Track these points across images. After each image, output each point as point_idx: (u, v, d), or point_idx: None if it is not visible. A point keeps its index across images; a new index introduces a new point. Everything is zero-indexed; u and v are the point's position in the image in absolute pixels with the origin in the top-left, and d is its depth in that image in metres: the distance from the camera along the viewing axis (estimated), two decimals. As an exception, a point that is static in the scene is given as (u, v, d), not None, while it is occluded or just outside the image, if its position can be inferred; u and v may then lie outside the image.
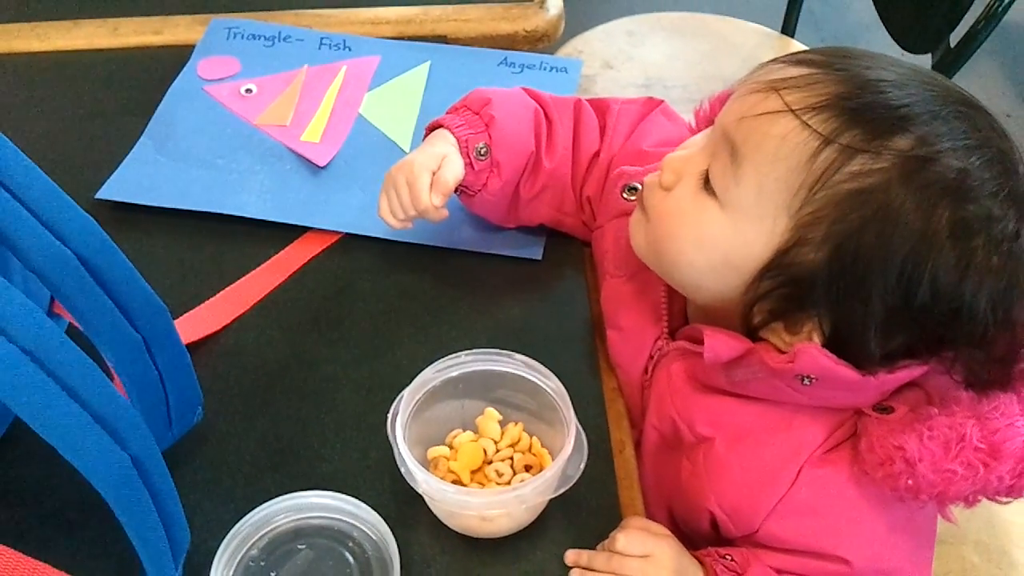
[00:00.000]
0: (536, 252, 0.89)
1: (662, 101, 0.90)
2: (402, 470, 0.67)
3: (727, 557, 0.72)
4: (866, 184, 0.63)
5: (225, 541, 0.68)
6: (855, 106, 0.64)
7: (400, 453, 0.67)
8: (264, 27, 1.10)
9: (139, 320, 0.62)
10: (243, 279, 0.86)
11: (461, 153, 0.83)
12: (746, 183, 0.67)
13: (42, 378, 0.53)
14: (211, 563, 0.65)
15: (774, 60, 0.69)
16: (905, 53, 1.34)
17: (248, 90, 1.03)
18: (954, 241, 0.63)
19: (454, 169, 0.81)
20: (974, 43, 1.24)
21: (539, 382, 0.72)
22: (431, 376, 0.71)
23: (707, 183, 0.69)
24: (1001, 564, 1.08)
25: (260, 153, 0.97)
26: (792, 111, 0.64)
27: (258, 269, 0.87)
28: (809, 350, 0.65)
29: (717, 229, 0.69)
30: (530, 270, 0.89)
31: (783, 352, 0.68)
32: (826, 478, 0.70)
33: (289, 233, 0.90)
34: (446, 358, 0.72)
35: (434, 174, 0.81)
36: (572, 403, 0.70)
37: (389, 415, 0.69)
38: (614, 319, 0.82)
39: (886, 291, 0.64)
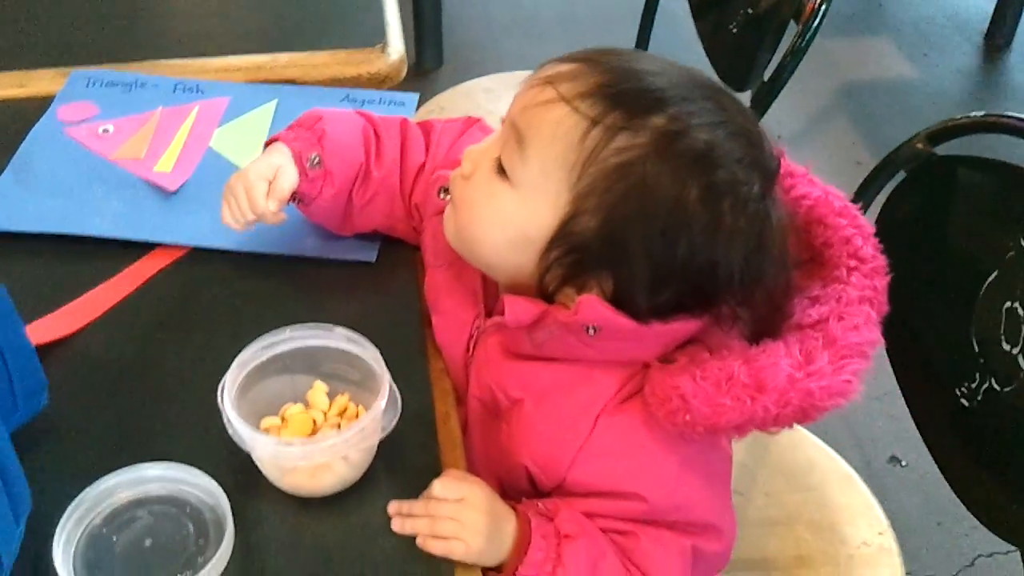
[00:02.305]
0: (371, 255, 0.97)
1: (480, 119, 1.00)
2: (230, 431, 0.74)
3: (539, 505, 0.79)
4: (628, 157, 0.73)
5: (68, 511, 0.73)
6: (616, 92, 0.74)
7: (227, 416, 0.74)
8: (121, 75, 1.17)
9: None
10: (93, 291, 0.92)
11: (296, 163, 0.91)
12: (531, 164, 0.76)
13: None
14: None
15: (550, 60, 0.79)
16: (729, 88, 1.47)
17: (105, 130, 1.10)
18: (704, 204, 0.73)
19: (288, 177, 0.90)
20: (784, 75, 1.38)
21: (359, 352, 0.79)
22: (257, 349, 0.78)
23: (500, 168, 0.78)
24: (832, 541, 1.16)
25: (114, 183, 1.04)
26: (563, 99, 0.74)
27: (108, 282, 0.93)
28: (589, 300, 0.74)
29: (511, 207, 0.78)
30: (366, 272, 0.97)
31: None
32: (620, 424, 0.78)
33: (140, 251, 0.97)
34: (269, 333, 0.79)
35: (270, 183, 0.89)
36: (399, 383, 0.77)
37: (219, 386, 0.76)
38: (436, 305, 0.90)
39: (650, 251, 0.73)
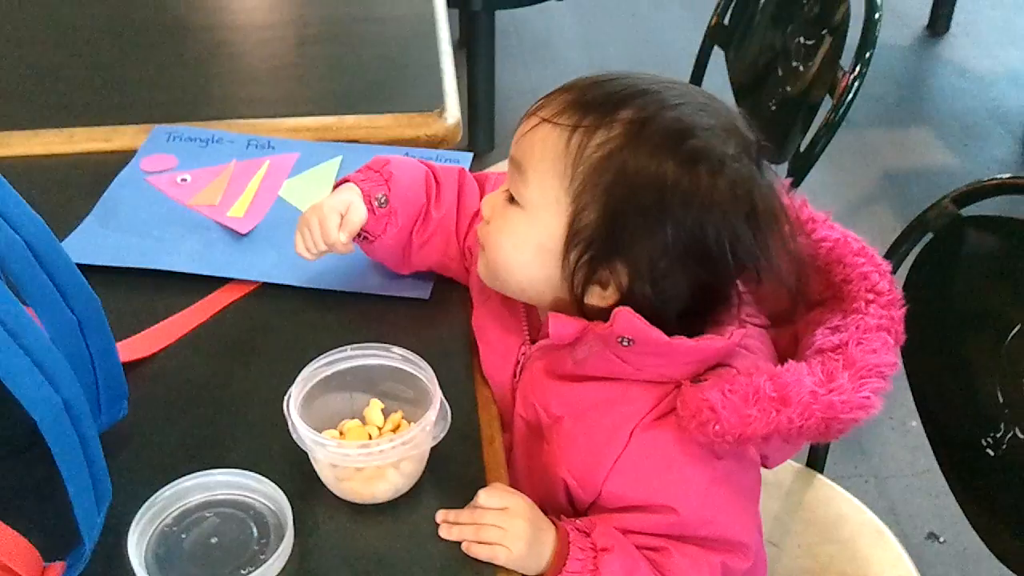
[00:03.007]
0: (425, 292, 1.04)
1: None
2: (294, 436, 0.80)
3: (576, 521, 0.84)
4: (608, 150, 0.81)
5: (142, 509, 0.79)
6: (585, 100, 0.84)
7: (292, 422, 0.80)
8: (199, 131, 1.27)
9: (75, 304, 0.76)
10: (171, 318, 1.00)
11: (364, 201, 0.99)
12: (531, 183, 0.85)
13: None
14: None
15: (538, 99, 0.89)
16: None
17: (183, 179, 1.20)
18: (682, 170, 0.80)
19: (359, 212, 0.98)
20: (818, 146, 1.45)
21: (413, 371, 0.85)
22: (320, 365, 0.85)
23: (511, 199, 0.88)
24: None
25: (190, 225, 1.13)
26: (545, 120, 0.85)
27: (184, 311, 1.01)
28: (623, 312, 0.80)
29: (524, 226, 0.86)
30: (420, 308, 1.04)
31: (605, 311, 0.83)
32: (653, 439, 0.84)
33: (214, 284, 1.05)
34: (332, 351, 0.86)
35: (342, 216, 0.97)
36: (451, 406, 0.84)
37: (285, 398, 0.83)
38: (483, 336, 0.97)
39: (647, 227, 0.81)
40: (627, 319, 0.81)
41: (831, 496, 1.31)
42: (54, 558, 0.74)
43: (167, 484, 0.81)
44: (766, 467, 0.93)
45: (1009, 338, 1.07)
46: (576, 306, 0.86)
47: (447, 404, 0.83)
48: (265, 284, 1.05)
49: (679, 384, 0.84)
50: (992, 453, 1.08)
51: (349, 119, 1.32)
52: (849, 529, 1.27)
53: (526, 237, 0.86)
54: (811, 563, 1.23)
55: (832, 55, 1.51)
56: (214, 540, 0.80)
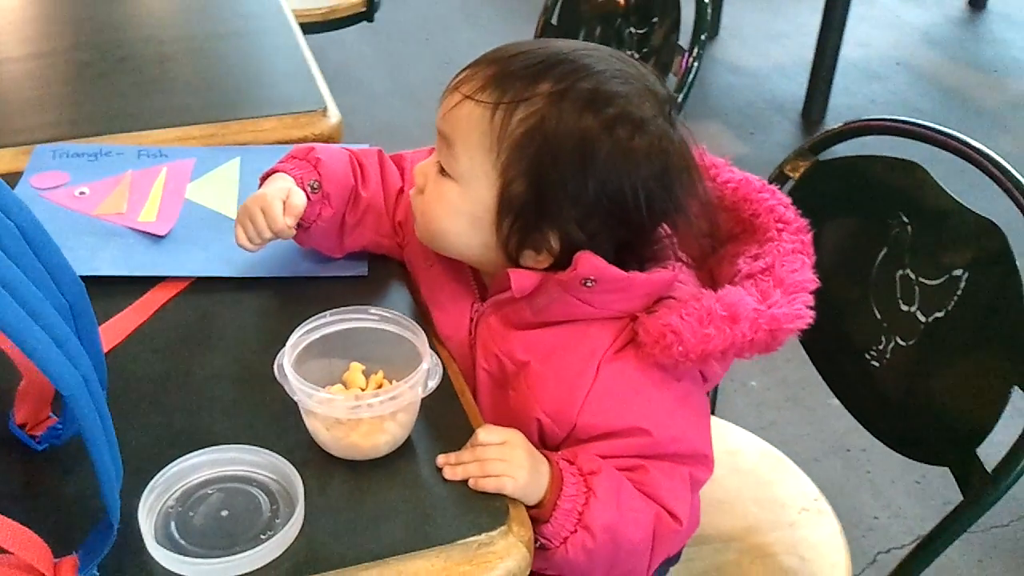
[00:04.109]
0: (363, 269, 1.07)
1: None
2: (299, 398, 0.82)
3: (558, 454, 0.90)
4: (530, 124, 0.88)
5: (142, 498, 0.79)
6: (503, 75, 0.89)
7: (294, 385, 0.82)
8: (85, 147, 1.25)
9: (64, 288, 0.75)
10: (111, 320, 0.98)
11: (299, 188, 1.01)
12: (461, 157, 0.90)
13: (16, 309, 0.66)
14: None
15: (460, 70, 0.94)
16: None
17: (82, 192, 1.17)
18: (604, 133, 0.87)
19: (300, 196, 1.00)
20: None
21: (396, 330, 0.89)
22: (307, 330, 0.87)
23: (442, 170, 0.93)
24: (774, 510, 1.30)
25: (103, 233, 1.11)
26: (467, 97, 0.90)
27: (124, 311, 1.00)
28: (585, 255, 0.87)
29: (457, 198, 0.92)
30: (361, 285, 1.06)
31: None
32: (619, 369, 0.90)
33: (145, 285, 1.04)
34: (312, 318, 0.88)
35: (284, 202, 0.99)
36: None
37: (275, 363, 0.84)
38: (434, 300, 1.01)
39: (571, 191, 0.87)
40: (589, 261, 0.87)
41: (725, 432, 1.42)
42: (60, 555, 0.73)
43: (156, 473, 0.81)
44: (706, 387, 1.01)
45: (878, 260, 1.21)
46: (512, 266, 0.92)
47: (437, 353, 0.87)
48: (198, 279, 1.05)
49: (634, 317, 0.91)
50: (878, 364, 1.21)
51: (234, 124, 1.33)
52: (749, 459, 1.38)
53: (459, 207, 0.92)
54: (723, 494, 1.33)
55: (666, 40, 1.64)
56: (224, 513, 0.81)
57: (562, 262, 0.89)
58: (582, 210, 0.87)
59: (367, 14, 2.65)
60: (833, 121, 3.27)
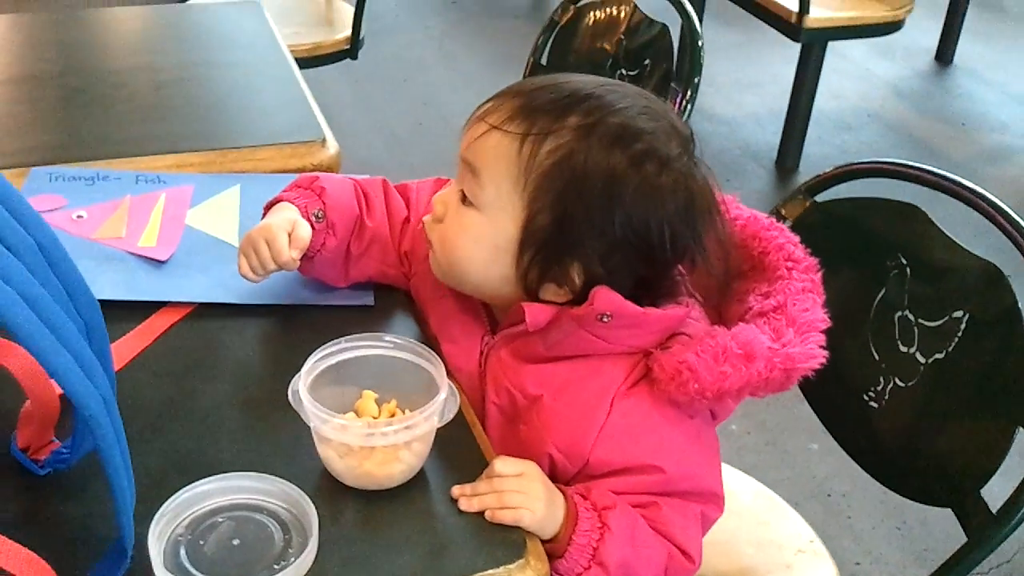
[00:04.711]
0: (368, 299, 1.06)
1: (449, 179, 1.13)
2: (315, 424, 0.80)
3: (571, 489, 0.88)
4: (558, 156, 0.87)
5: (151, 526, 0.76)
6: (532, 107, 0.89)
7: (311, 412, 0.80)
8: (82, 171, 1.23)
9: (80, 307, 0.73)
10: (114, 344, 0.95)
11: (303, 218, 1.00)
12: (486, 187, 0.90)
13: (40, 327, 0.64)
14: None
15: (484, 101, 0.94)
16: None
17: (79, 216, 1.15)
18: (632, 169, 0.87)
19: (305, 228, 0.99)
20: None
21: (410, 358, 0.87)
22: (321, 357, 0.85)
23: (464, 199, 0.92)
24: (771, 551, 1.29)
25: (102, 257, 1.09)
26: (494, 127, 0.90)
27: (127, 336, 0.98)
28: (601, 291, 0.87)
29: (480, 228, 0.91)
30: (366, 315, 1.05)
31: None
32: (632, 405, 0.90)
33: (147, 310, 1.02)
34: (326, 345, 0.86)
35: (289, 234, 0.97)
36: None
37: (290, 389, 0.82)
38: (444, 333, 1.00)
39: (596, 225, 0.87)
40: (606, 296, 0.87)
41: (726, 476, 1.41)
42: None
43: (164, 500, 0.79)
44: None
45: (876, 301, 1.22)
46: (529, 300, 0.91)
47: (452, 383, 0.86)
48: (200, 306, 1.03)
49: (647, 353, 0.91)
50: (876, 405, 1.22)
51: (232, 153, 1.32)
52: (743, 500, 1.37)
53: (481, 237, 0.91)
54: (720, 535, 1.32)
55: (660, 82, 1.66)
56: (236, 542, 0.78)
57: (577, 297, 0.89)
58: (606, 245, 0.87)
59: (351, 51, 2.65)
60: (807, 170, 3.32)
